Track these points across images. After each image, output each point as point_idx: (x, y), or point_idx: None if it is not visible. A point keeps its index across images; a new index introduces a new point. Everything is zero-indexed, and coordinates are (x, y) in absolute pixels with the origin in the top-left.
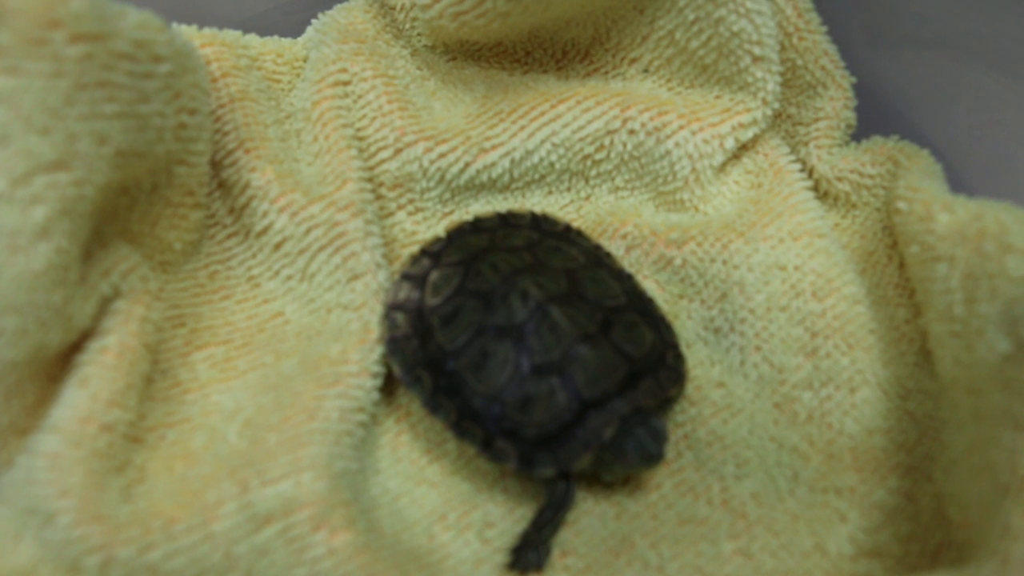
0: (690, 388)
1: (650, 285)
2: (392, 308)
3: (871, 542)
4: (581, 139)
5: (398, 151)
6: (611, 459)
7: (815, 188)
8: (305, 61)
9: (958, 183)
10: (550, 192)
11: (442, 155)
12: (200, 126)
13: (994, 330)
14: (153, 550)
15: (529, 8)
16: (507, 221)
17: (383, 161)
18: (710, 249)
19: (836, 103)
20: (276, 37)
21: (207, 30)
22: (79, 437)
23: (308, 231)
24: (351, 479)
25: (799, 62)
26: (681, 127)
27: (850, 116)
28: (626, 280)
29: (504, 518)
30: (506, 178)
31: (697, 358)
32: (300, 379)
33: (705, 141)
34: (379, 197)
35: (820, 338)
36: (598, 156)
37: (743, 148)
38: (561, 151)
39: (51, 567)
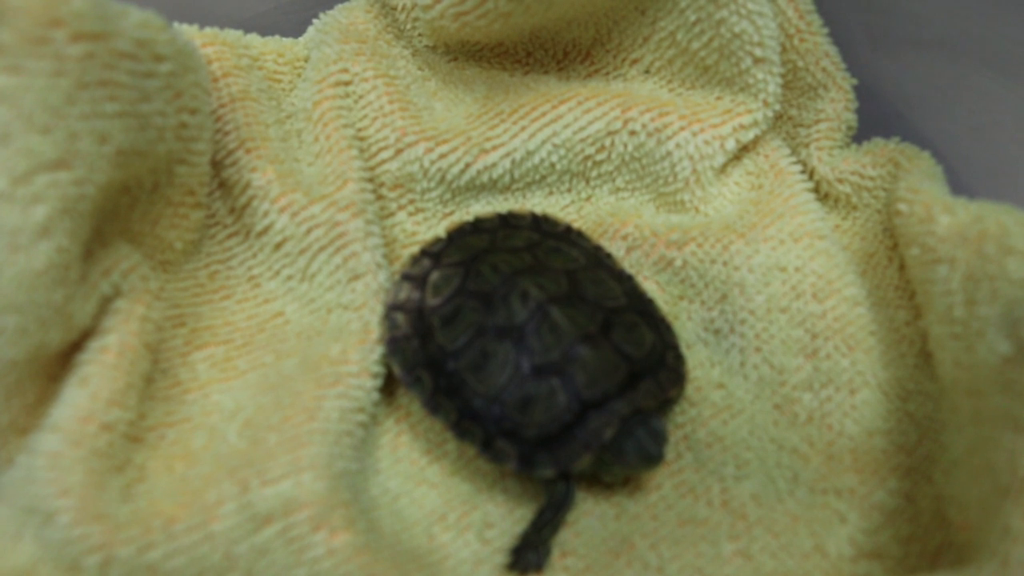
0: (690, 389)
1: (650, 286)
2: (392, 308)
3: (871, 543)
4: (582, 140)
5: (399, 151)
6: (611, 460)
7: (816, 190)
8: (306, 61)
9: (959, 185)
10: (551, 193)
11: (443, 155)
12: (201, 126)
13: (994, 332)
14: (153, 550)
15: (530, 8)
16: (508, 222)
17: (384, 161)
18: (710, 250)
19: (837, 105)
20: (277, 37)
21: (208, 30)
22: (79, 436)
23: (309, 231)
24: (351, 479)
25: (800, 64)
26: (682, 128)
27: (851, 118)
28: (626, 281)
29: (504, 518)
30: (507, 179)
31: (697, 359)
32: (300, 379)
33: (706, 142)
34: (380, 197)
35: (820, 339)
36: (599, 157)
37: (744, 149)
38: (562, 152)
39: (51, 566)
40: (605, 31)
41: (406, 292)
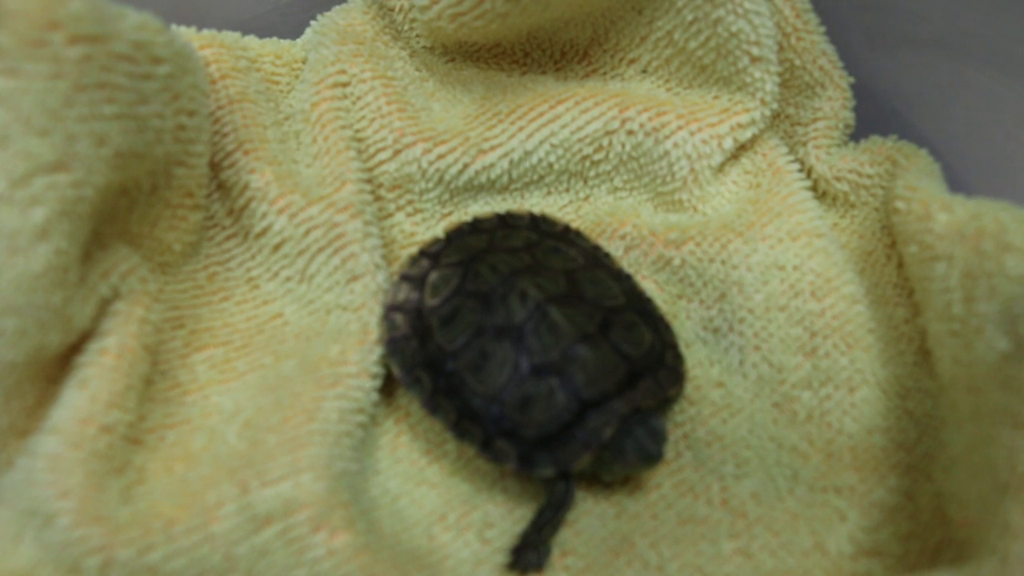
0: (689, 388)
1: (649, 285)
2: (391, 309)
3: (871, 541)
4: (580, 140)
5: (397, 152)
6: (610, 459)
7: (814, 188)
8: (304, 63)
9: (956, 182)
10: (549, 193)
11: (441, 156)
12: (199, 127)
13: (993, 329)
14: (153, 551)
15: (527, 9)
16: (506, 222)
17: (382, 162)
18: (709, 249)
19: (834, 103)
20: (275, 39)
21: (206, 32)
22: (79, 438)
23: (307, 232)
24: (351, 480)
25: (797, 62)
26: (679, 128)
27: (848, 116)
28: (625, 280)
29: (504, 518)
30: (505, 179)
31: (696, 358)
32: (299, 380)
33: (704, 141)
34: (378, 198)
35: (819, 338)
36: (597, 157)
37: (742, 148)
38: (560, 152)
39: (51, 568)
40: (602, 31)
41: (405, 293)
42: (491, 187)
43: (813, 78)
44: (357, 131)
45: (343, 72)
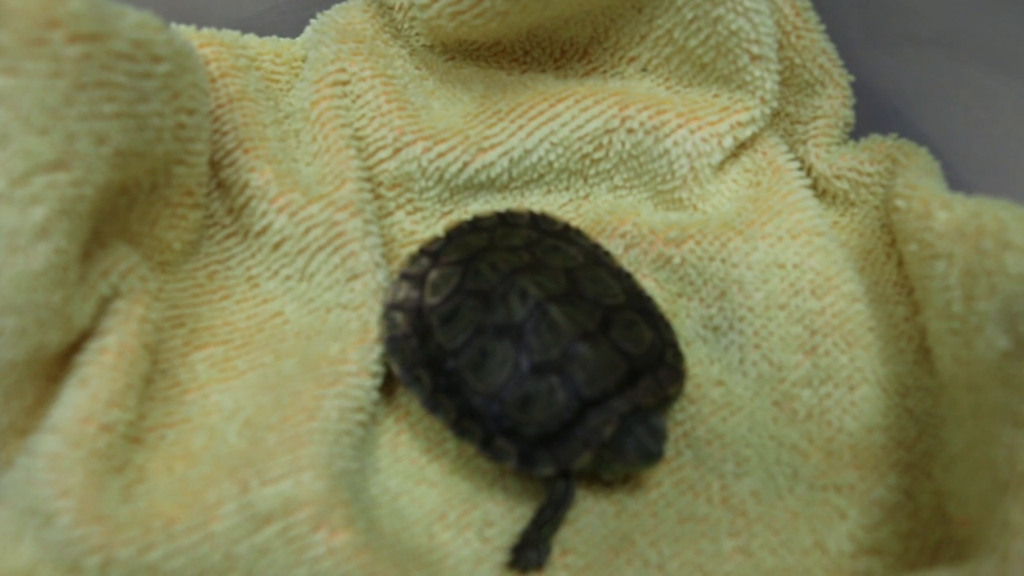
0: (689, 386)
1: (649, 284)
2: (391, 307)
3: (871, 539)
4: (580, 138)
5: (397, 151)
6: (611, 458)
7: (813, 186)
8: (304, 61)
9: (956, 181)
10: (549, 191)
11: (441, 155)
12: (199, 126)
13: (993, 327)
14: (153, 550)
15: (527, 7)
16: (506, 220)
17: (382, 161)
18: (709, 247)
19: (834, 101)
20: (275, 37)
21: (206, 30)
22: (79, 437)
23: (307, 231)
24: (351, 478)
25: (797, 60)
26: (679, 126)
27: (848, 114)
28: (625, 279)
29: (504, 517)
30: (505, 177)
31: (696, 356)
32: (299, 379)
33: (703, 140)
34: (378, 197)
35: (819, 336)
36: (597, 155)
37: (741, 147)
38: (560, 150)
39: (51, 567)
40: (602, 29)
41: (405, 291)
42: (491, 185)
43: (813, 76)
44: (357, 129)
45: (343, 70)
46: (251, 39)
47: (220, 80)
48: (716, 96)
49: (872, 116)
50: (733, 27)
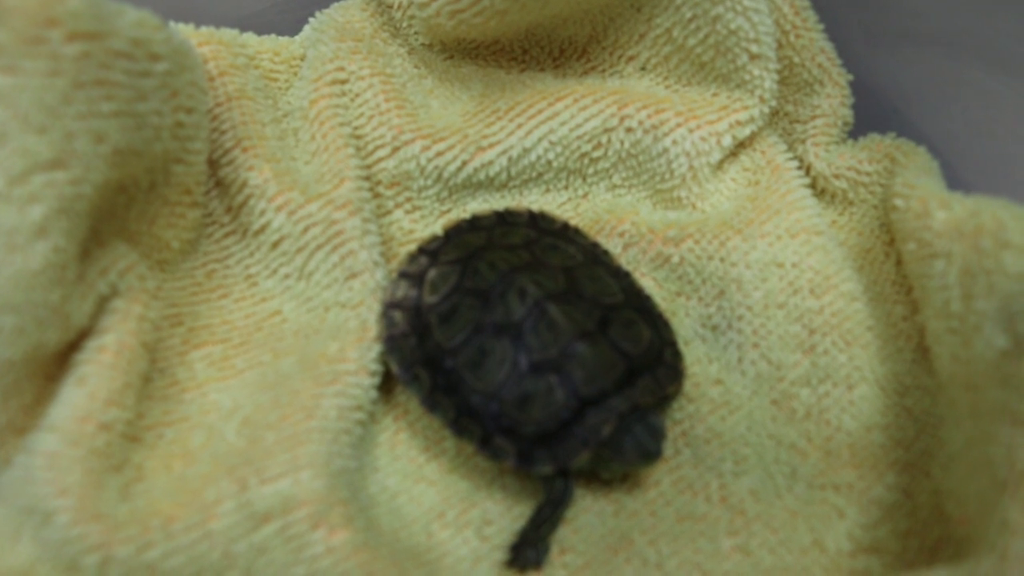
0: (688, 385)
1: (648, 283)
2: (390, 306)
3: (869, 538)
4: (578, 137)
5: (395, 149)
6: (609, 457)
7: (812, 185)
8: (302, 59)
9: (955, 180)
10: (548, 190)
11: (439, 153)
12: (197, 125)
13: (991, 326)
14: (151, 549)
15: (526, 6)
16: (505, 219)
17: (380, 159)
18: (707, 247)
19: (833, 100)
20: (273, 35)
21: (204, 29)
22: (77, 436)
23: (306, 229)
24: (349, 477)
25: (796, 60)
26: (678, 125)
27: (847, 113)
28: (624, 278)
29: (503, 516)
30: (503, 176)
31: (695, 355)
32: (298, 377)
33: (702, 139)
34: (376, 195)
35: (818, 335)
36: (595, 154)
37: (740, 146)
38: (558, 149)
39: (49, 566)
40: (601, 28)
41: (403, 290)
42: (490, 184)
43: (812, 75)
44: (355, 128)
45: (341, 69)
46: (250, 37)
47: (219, 79)
48: (715, 95)
49: (871, 115)
50: (732, 26)
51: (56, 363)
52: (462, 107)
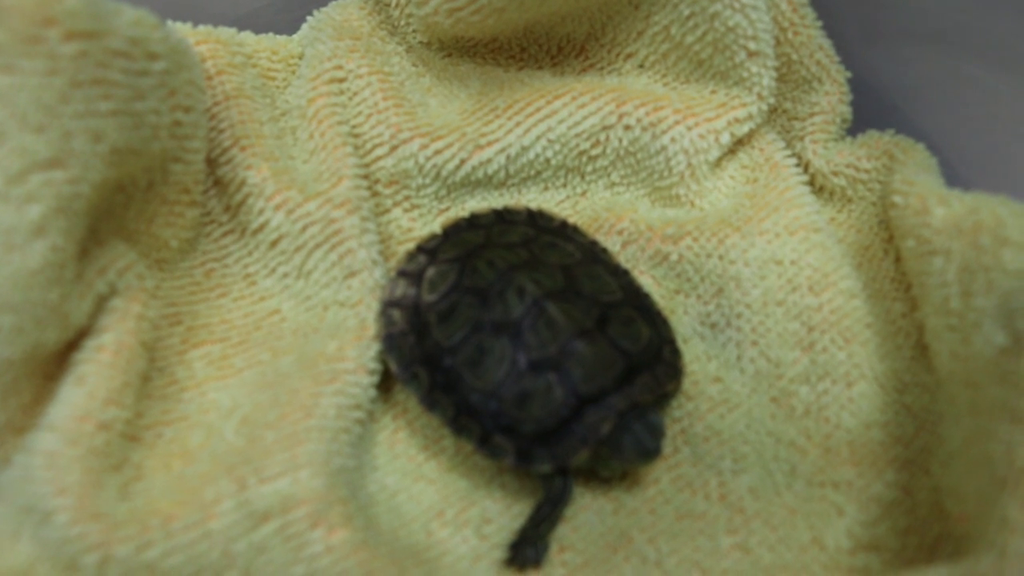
0: (687, 383)
1: (646, 280)
2: (389, 305)
3: (868, 536)
4: (577, 135)
5: (394, 148)
6: (608, 455)
7: (811, 183)
8: (300, 58)
9: (954, 177)
10: (546, 188)
11: (438, 152)
12: (195, 123)
13: (990, 323)
14: (151, 548)
15: (524, 4)
16: (503, 217)
17: (379, 158)
18: (706, 244)
19: (831, 98)
20: (271, 34)
21: (202, 27)
22: (76, 435)
23: (304, 228)
24: (348, 476)
25: (794, 57)
26: (677, 122)
27: (845, 110)
28: (622, 276)
29: (502, 514)
30: (502, 174)
31: (694, 353)
32: (297, 376)
33: (701, 136)
34: (375, 194)
35: (817, 332)
36: (594, 152)
37: (739, 143)
38: (557, 147)
39: (48, 565)
40: (599, 26)
41: (402, 288)
42: (488, 183)
43: (810, 72)
44: (354, 127)
45: (339, 68)
46: (247, 36)
47: (216, 77)
48: (713, 92)
49: (869, 112)
50: (730, 23)
51: (55, 362)
52: (460, 105)
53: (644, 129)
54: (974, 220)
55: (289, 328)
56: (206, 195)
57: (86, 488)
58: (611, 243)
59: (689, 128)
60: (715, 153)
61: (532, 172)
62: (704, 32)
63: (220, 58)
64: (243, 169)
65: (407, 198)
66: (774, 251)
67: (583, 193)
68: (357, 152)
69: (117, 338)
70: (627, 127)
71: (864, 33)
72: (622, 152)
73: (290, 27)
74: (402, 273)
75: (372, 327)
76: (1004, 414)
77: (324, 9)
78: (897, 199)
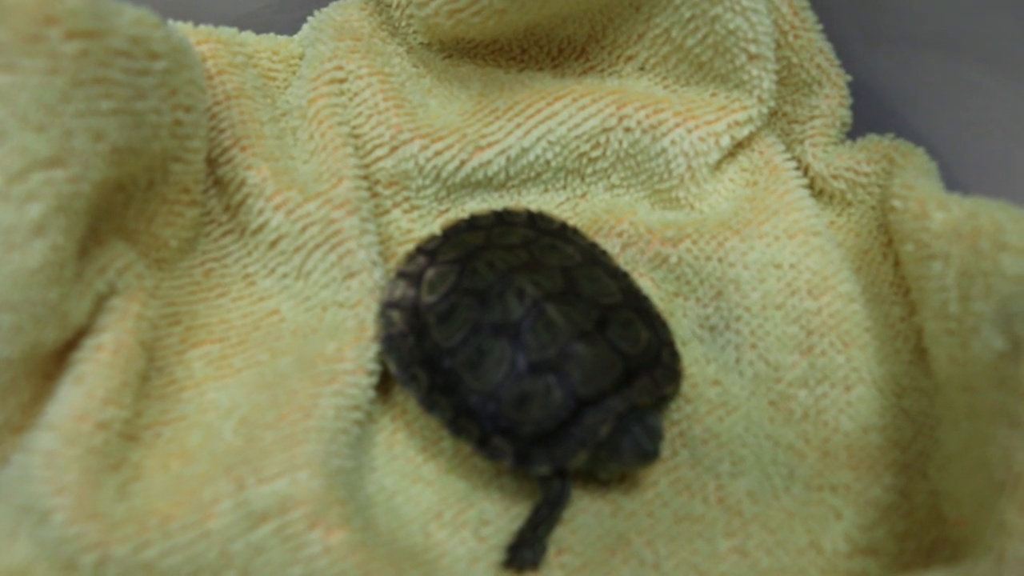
0: (686, 386)
1: (646, 283)
2: (388, 306)
3: (866, 539)
4: (577, 137)
5: (394, 149)
6: (607, 457)
7: (810, 186)
8: (301, 58)
9: (953, 181)
10: (546, 190)
11: (438, 153)
12: (196, 123)
13: (989, 328)
14: (149, 548)
15: (525, 5)
16: (503, 219)
17: (379, 159)
18: (705, 247)
19: (831, 101)
20: (272, 34)
21: (203, 27)
22: (75, 435)
23: (304, 229)
24: (347, 477)
25: (795, 60)
26: (677, 125)
27: (845, 114)
28: (622, 278)
29: (500, 516)
30: (502, 176)
31: (693, 356)
32: (296, 377)
33: (701, 139)
34: (375, 195)
35: (815, 336)
36: (594, 154)
37: (739, 146)
38: (557, 149)
39: (46, 565)
40: (600, 28)
41: (401, 289)
42: (488, 184)
43: (810, 76)
44: (354, 127)
45: (340, 68)
46: (248, 36)
47: (217, 77)
48: (713, 95)
49: (869, 116)
50: (731, 26)
51: (54, 361)
52: (460, 106)
53: (644, 131)
54: (973, 225)
55: (288, 329)
56: (206, 195)
57: (84, 488)
58: (611, 245)
59: (689, 131)
60: (715, 156)
61: (532, 174)
62: (705, 35)
63: (221, 58)
64: (243, 169)
65: (407, 199)
66: (773, 254)
67: (583, 195)
68: (357, 153)
69: (116, 337)
70: (627, 129)
71: (864, 37)
72: (622, 154)
73: (291, 27)
74: (401, 274)
75: (371, 328)
76: (1002, 418)
77: (325, 9)
78: (896, 203)
